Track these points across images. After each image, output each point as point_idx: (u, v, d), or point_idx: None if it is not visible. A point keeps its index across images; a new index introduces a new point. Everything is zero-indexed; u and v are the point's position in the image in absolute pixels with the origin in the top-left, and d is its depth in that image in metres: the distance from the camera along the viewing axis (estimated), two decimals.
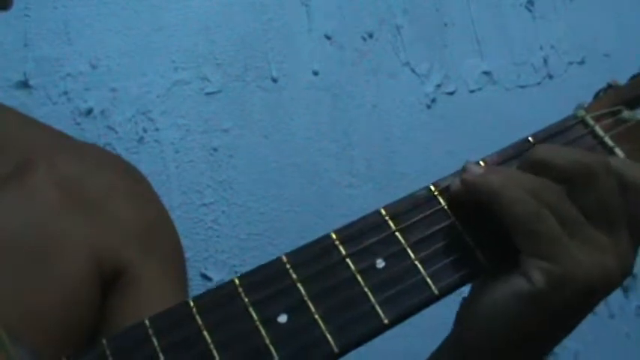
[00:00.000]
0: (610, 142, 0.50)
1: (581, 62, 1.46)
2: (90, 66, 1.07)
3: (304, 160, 1.17)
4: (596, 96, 0.54)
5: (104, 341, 0.40)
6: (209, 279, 1.06)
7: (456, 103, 1.32)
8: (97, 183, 0.63)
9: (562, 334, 0.47)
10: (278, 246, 1.11)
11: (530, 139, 0.50)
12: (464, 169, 0.46)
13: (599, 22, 1.50)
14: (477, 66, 1.36)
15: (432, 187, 0.47)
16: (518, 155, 0.48)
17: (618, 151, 0.50)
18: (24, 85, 1.03)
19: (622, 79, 0.56)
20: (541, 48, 1.43)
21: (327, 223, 1.14)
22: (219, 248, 1.08)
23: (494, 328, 0.44)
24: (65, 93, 1.05)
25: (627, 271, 0.45)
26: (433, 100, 1.30)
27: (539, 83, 1.41)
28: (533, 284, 0.42)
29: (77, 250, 0.59)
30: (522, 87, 1.39)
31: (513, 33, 1.41)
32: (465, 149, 1.27)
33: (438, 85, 1.31)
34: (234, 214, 1.10)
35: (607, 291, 0.45)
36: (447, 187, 0.47)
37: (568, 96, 1.40)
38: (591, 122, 0.51)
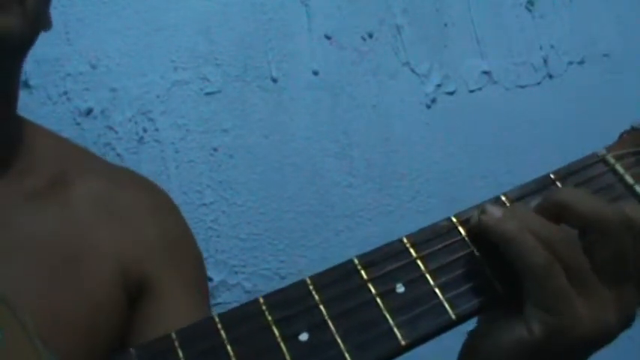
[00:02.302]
0: (630, 180, 0.51)
1: (581, 62, 1.46)
2: (90, 66, 1.07)
3: (304, 160, 1.17)
4: (620, 137, 0.55)
5: (132, 350, 0.41)
6: (209, 279, 1.06)
7: (456, 103, 1.32)
8: (125, 200, 0.67)
9: None
10: (278, 246, 1.11)
11: (551, 175, 0.51)
12: (482, 211, 0.47)
13: (599, 22, 1.50)
14: (477, 66, 1.36)
15: (454, 219, 0.49)
16: (539, 190, 0.50)
17: (639, 188, 0.50)
18: (24, 85, 1.03)
19: (622, 79, 0.57)
20: (541, 48, 1.43)
21: (327, 223, 1.14)
22: (219, 248, 1.09)
23: None
24: (65, 93, 1.05)
25: (626, 325, 0.46)
26: (433, 100, 1.30)
27: (539, 83, 1.41)
28: (533, 335, 0.44)
29: (105, 262, 0.62)
30: (522, 87, 1.39)
31: (513, 33, 1.41)
32: (465, 149, 1.27)
33: (438, 85, 1.31)
34: (234, 214, 1.10)
35: (604, 343, 0.46)
36: (468, 220, 0.48)
37: (568, 96, 1.40)
38: (612, 160, 0.52)
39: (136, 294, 0.64)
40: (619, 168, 0.52)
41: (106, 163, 0.74)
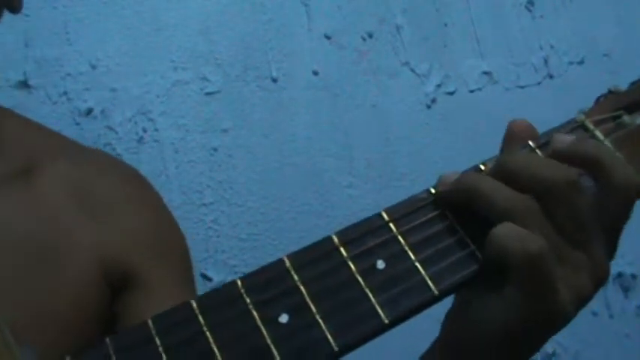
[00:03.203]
0: (610, 146, 0.50)
1: (581, 62, 1.46)
2: (90, 66, 1.07)
3: (304, 160, 1.17)
4: (597, 101, 0.54)
5: (107, 340, 0.40)
6: (209, 279, 1.06)
7: (456, 103, 1.32)
8: (103, 187, 0.64)
9: (552, 332, 0.46)
10: (278, 246, 1.11)
11: (531, 143, 0.50)
12: (477, 179, 0.46)
13: (599, 22, 1.50)
14: (477, 66, 1.36)
15: (433, 190, 0.48)
16: None
17: (618, 155, 0.49)
18: (24, 85, 1.03)
19: (622, 79, 0.56)
20: (541, 48, 1.43)
21: (327, 223, 1.14)
22: (219, 248, 1.08)
23: (484, 341, 0.45)
24: (65, 93, 1.05)
25: (602, 283, 0.45)
26: (433, 100, 1.30)
27: (539, 83, 1.41)
28: (514, 318, 0.43)
29: (83, 253, 0.59)
30: (522, 87, 1.39)
31: (513, 33, 1.41)
32: (465, 149, 1.27)
33: (438, 85, 1.31)
34: (234, 214, 1.10)
35: (582, 306, 0.45)
36: (450, 191, 0.47)
37: (568, 96, 1.40)
38: (591, 126, 0.51)
39: (119, 286, 0.61)
40: (598, 134, 0.51)
41: (83, 149, 0.70)
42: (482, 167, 0.49)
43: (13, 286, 0.54)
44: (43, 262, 0.56)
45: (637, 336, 1.32)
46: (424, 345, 0.51)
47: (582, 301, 0.44)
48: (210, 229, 1.09)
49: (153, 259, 0.63)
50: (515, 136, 0.51)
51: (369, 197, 1.18)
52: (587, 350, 1.27)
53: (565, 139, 0.47)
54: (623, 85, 0.56)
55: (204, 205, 1.09)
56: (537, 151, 0.50)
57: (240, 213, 1.11)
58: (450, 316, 0.48)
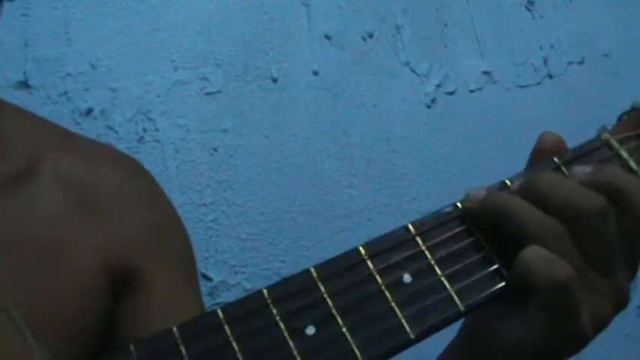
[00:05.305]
0: (634, 166, 0.50)
1: (581, 62, 1.46)
2: (90, 66, 1.07)
3: (304, 160, 1.17)
4: (620, 118, 0.55)
5: (132, 347, 0.40)
6: (209, 279, 1.06)
7: (456, 103, 1.32)
8: (105, 184, 0.63)
9: (570, 354, 0.47)
10: (278, 246, 1.11)
11: (555, 159, 0.50)
12: (511, 205, 0.46)
13: (599, 22, 1.50)
14: (477, 66, 1.36)
15: (459, 205, 0.48)
16: None
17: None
18: (24, 85, 1.03)
19: (622, 79, 0.57)
20: (541, 48, 1.43)
21: (327, 223, 1.14)
22: (219, 248, 1.08)
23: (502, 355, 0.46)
24: (65, 93, 1.05)
25: (622, 308, 0.46)
26: (433, 100, 1.30)
27: (539, 83, 1.41)
28: (534, 337, 0.44)
29: (85, 253, 0.58)
30: (522, 87, 1.39)
31: (513, 33, 1.41)
32: (465, 149, 1.27)
33: (438, 85, 1.31)
34: (234, 214, 1.10)
35: (601, 330, 0.46)
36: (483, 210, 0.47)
37: (568, 96, 1.40)
38: (616, 145, 0.52)
39: (121, 286, 0.60)
40: (623, 153, 0.51)
41: (83, 142, 0.68)
42: (509, 183, 0.49)
43: (15, 287, 0.53)
44: (43, 264, 0.56)
45: (637, 336, 1.32)
46: (432, 346, 0.51)
47: (602, 325, 0.45)
48: (210, 229, 1.09)
49: (154, 258, 0.62)
50: (545, 149, 0.51)
51: (369, 197, 1.18)
52: (587, 350, 1.27)
53: (583, 172, 0.47)
54: (623, 86, 0.55)
55: (204, 205, 1.09)
56: (563, 168, 0.50)
57: (240, 213, 1.11)
58: (470, 327, 0.49)
